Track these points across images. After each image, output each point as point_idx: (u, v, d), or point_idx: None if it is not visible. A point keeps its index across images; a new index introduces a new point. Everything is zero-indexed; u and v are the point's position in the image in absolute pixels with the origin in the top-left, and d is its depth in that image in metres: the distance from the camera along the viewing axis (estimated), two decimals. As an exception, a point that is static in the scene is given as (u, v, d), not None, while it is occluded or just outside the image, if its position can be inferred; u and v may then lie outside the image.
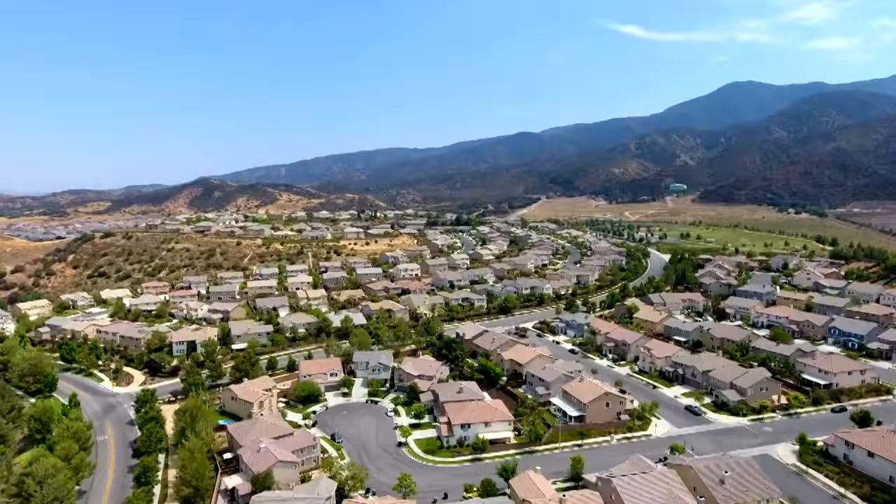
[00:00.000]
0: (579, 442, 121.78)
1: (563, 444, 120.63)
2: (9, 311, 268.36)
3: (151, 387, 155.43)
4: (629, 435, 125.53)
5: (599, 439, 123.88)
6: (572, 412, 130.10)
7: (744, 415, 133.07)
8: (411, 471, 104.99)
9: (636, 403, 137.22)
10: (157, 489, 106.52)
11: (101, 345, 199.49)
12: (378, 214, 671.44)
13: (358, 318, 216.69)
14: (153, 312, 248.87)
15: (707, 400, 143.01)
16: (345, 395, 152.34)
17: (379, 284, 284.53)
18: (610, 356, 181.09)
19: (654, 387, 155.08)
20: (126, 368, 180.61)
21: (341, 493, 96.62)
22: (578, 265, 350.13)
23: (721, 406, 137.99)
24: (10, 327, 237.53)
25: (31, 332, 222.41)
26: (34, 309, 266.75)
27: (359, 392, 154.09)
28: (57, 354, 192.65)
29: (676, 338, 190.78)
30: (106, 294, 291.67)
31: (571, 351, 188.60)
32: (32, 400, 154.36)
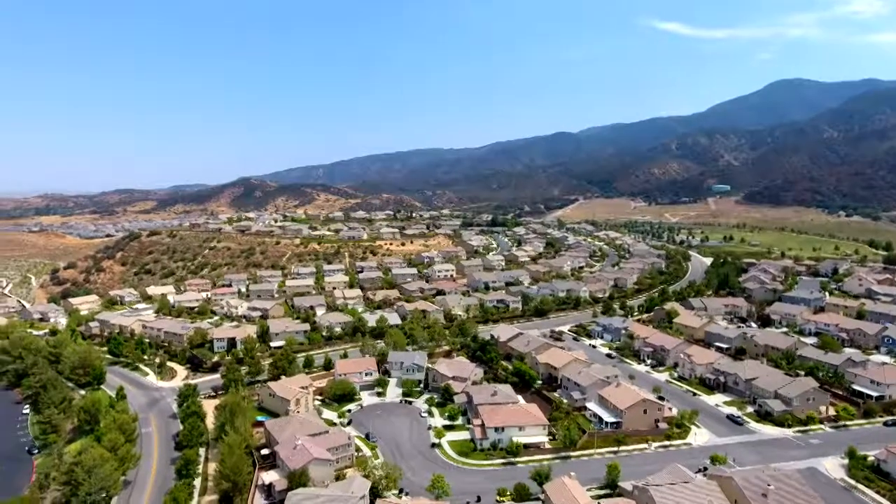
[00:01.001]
0: (615, 449, 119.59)
1: (598, 451, 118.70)
2: (61, 306, 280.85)
3: (193, 382, 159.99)
4: (667, 443, 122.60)
5: (636, 447, 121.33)
6: (608, 418, 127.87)
7: (789, 426, 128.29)
8: (444, 472, 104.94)
9: (675, 411, 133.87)
10: (197, 482, 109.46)
11: (147, 340, 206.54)
12: (414, 215, 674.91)
13: (393, 318, 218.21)
14: (195, 309, 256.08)
15: (750, 409, 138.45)
16: (379, 394, 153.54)
17: (414, 285, 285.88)
18: (648, 362, 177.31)
19: (694, 394, 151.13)
20: (169, 363, 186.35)
21: (375, 493, 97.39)
22: (616, 268, 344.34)
23: (765, 416, 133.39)
24: (63, 321, 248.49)
25: (81, 327, 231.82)
26: (84, 304, 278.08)
27: (393, 392, 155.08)
28: (105, 348, 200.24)
29: (718, 344, 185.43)
30: (151, 290, 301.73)
31: (608, 355, 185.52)
32: (82, 392, 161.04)
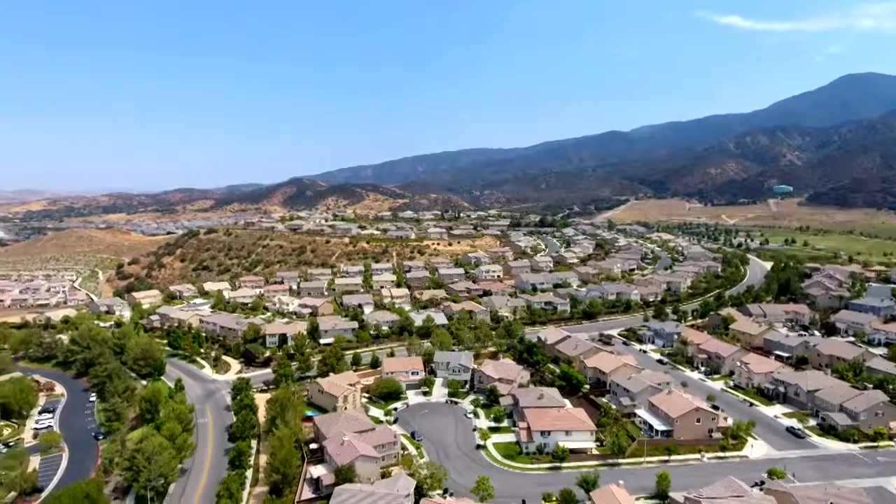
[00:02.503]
0: (666, 458, 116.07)
1: (648, 459, 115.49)
2: (126, 300, 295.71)
3: (246, 375, 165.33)
4: (722, 454, 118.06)
5: (688, 456, 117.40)
6: (659, 426, 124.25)
7: (855, 441, 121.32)
8: (489, 474, 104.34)
9: (730, 421, 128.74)
10: (249, 473, 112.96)
11: (203, 334, 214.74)
12: (461, 215, 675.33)
13: (439, 318, 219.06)
14: (249, 305, 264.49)
15: (812, 422, 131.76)
16: (425, 393, 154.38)
17: (461, 285, 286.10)
18: (702, 369, 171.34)
19: (751, 404, 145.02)
20: (224, 357, 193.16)
21: (420, 492, 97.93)
22: (669, 271, 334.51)
23: (828, 430, 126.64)
24: (127, 314, 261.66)
25: (143, 320, 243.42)
26: (146, 298, 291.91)
27: (439, 392, 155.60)
28: (165, 341, 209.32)
29: (778, 352, 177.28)
30: (208, 286, 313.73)
31: (660, 361, 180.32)
32: (143, 382, 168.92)
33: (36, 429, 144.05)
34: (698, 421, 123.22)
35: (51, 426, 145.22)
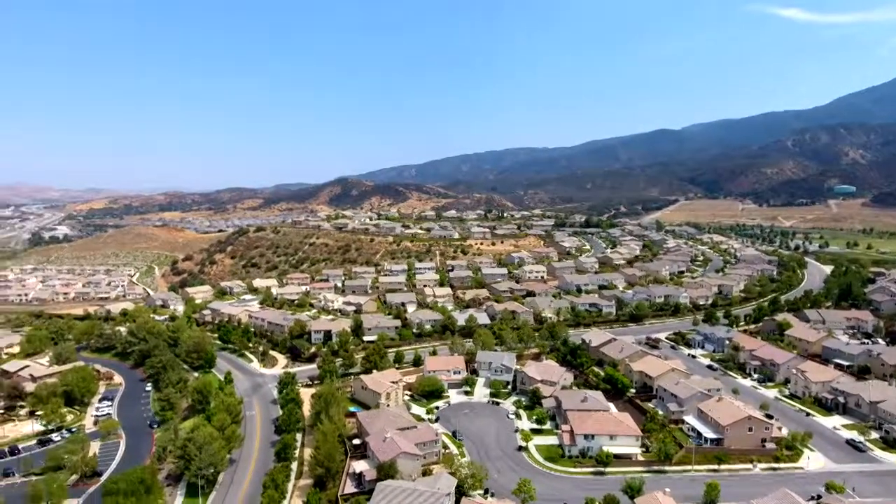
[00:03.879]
0: (715, 467, 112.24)
1: (696, 468, 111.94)
2: (179, 295, 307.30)
3: (292, 370, 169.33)
4: (775, 465, 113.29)
5: (739, 466, 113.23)
6: (708, 434, 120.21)
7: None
8: (531, 476, 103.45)
9: (785, 431, 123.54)
10: (294, 465, 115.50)
11: (252, 329, 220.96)
12: (505, 214, 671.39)
13: (482, 318, 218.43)
14: (295, 302, 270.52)
15: (874, 435, 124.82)
16: (467, 393, 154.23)
17: (504, 285, 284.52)
18: (755, 376, 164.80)
19: (808, 414, 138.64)
20: (271, 352, 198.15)
21: (460, 491, 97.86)
22: (720, 274, 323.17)
23: (892, 444, 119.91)
24: (180, 309, 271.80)
25: (196, 314, 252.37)
26: (199, 293, 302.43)
27: (480, 392, 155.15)
28: (216, 335, 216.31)
29: (838, 361, 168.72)
30: (257, 283, 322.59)
31: (709, 367, 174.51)
32: (195, 374, 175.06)
33: (96, 416, 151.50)
34: (750, 430, 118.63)
35: (110, 414, 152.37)
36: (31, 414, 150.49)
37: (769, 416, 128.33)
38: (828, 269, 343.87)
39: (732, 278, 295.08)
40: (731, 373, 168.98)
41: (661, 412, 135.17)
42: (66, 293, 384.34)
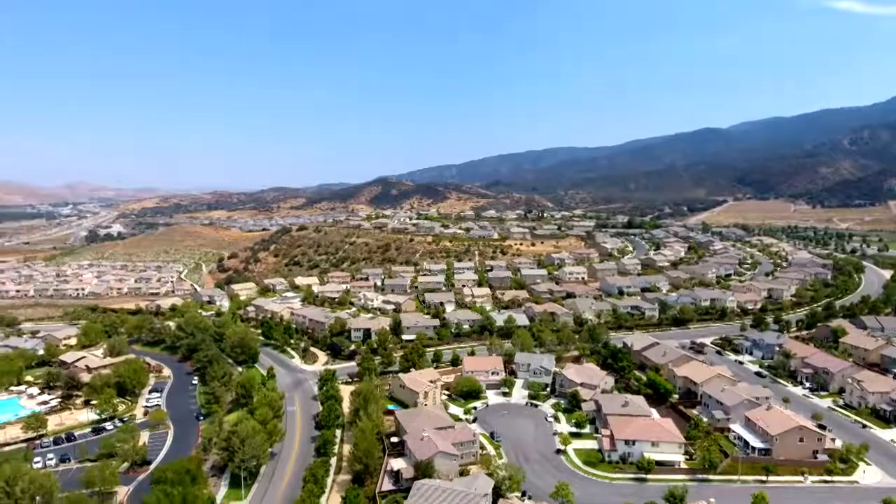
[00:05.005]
0: (763, 478, 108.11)
1: (742, 478, 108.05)
2: (225, 292, 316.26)
3: (332, 367, 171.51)
4: (828, 479, 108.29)
5: (789, 478, 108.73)
6: (756, 443, 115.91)
7: None
8: (569, 480, 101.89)
9: (838, 443, 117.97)
10: (333, 461, 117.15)
11: (294, 326, 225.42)
12: (545, 215, 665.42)
13: (521, 319, 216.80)
14: (336, 300, 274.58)
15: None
16: (505, 394, 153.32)
17: (543, 286, 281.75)
18: (806, 384, 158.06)
19: (864, 426, 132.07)
20: (312, 349, 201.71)
21: (497, 492, 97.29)
22: (770, 277, 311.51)
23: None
24: (226, 305, 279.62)
25: (240, 311, 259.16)
26: (243, 290, 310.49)
27: (519, 393, 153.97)
28: (259, 331, 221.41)
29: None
30: (299, 281, 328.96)
31: (758, 374, 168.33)
32: (239, 369, 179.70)
33: (146, 406, 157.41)
34: (801, 440, 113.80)
35: (159, 405, 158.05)
36: (87, 403, 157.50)
37: (822, 427, 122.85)
38: (887, 273, 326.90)
39: (783, 282, 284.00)
40: (780, 380, 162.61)
41: (705, 419, 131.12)
42: (119, 288, 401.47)
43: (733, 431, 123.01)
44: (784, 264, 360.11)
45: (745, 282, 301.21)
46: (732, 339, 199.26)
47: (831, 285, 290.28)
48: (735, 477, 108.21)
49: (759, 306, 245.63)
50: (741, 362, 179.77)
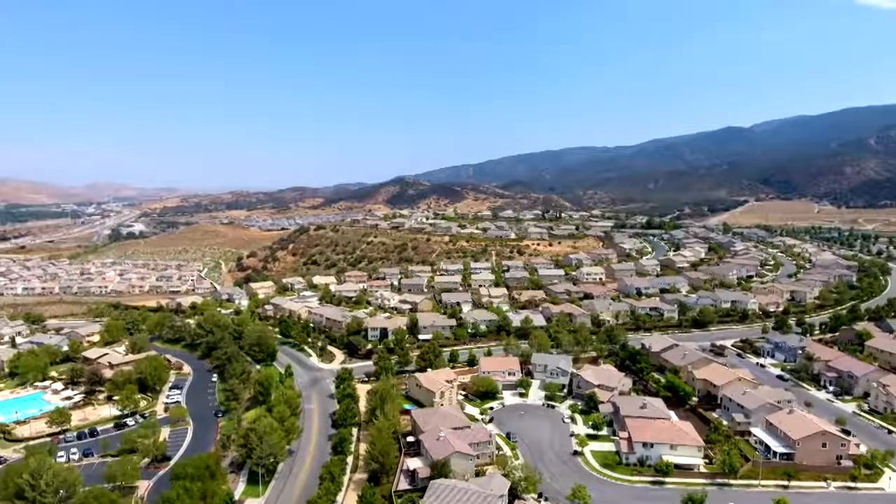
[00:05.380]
0: (785, 483, 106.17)
1: (763, 483, 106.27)
2: (244, 290, 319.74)
3: (349, 366, 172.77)
4: (852, 485, 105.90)
5: (811, 483, 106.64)
6: (777, 447, 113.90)
7: None
8: (586, 483, 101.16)
9: (863, 448, 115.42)
10: (349, 459, 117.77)
11: (311, 324, 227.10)
12: (562, 215, 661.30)
13: (538, 320, 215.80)
14: (353, 299, 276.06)
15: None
16: (521, 395, 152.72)
17: (560, 287, 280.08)
18: (830, 388, 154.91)
19: (890, 431, 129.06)
20: (329, 347, 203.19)
21: (514, 493, 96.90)
22: (793, 279, 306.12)
23: None
24: (244, 303, 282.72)
25: (259, 309, 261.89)
26: (262, 289, 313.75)
27: (535, 394, 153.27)
28: (277, 329, 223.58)
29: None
30: (316, 280, 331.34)
31: (780, 377, 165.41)
32: (258, 366, 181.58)
33: (166, 403, 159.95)
34: (824, 445, 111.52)
35: (179, 401, 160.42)
36: (109, 399, 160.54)
37: (846, 432, 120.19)
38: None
39: (806, 284, 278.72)
40: (803, 384, 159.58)
41: (725, 423, 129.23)
42: (141, 286, 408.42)
43: (754, 435, 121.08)
44: (807, 266, 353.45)
45: (766, 283, 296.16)
46: (754, 342, 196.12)
47: (856, 287, 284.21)
48: (756, 482, 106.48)
49: (781, 308, 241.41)
50: (763, 365, 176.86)
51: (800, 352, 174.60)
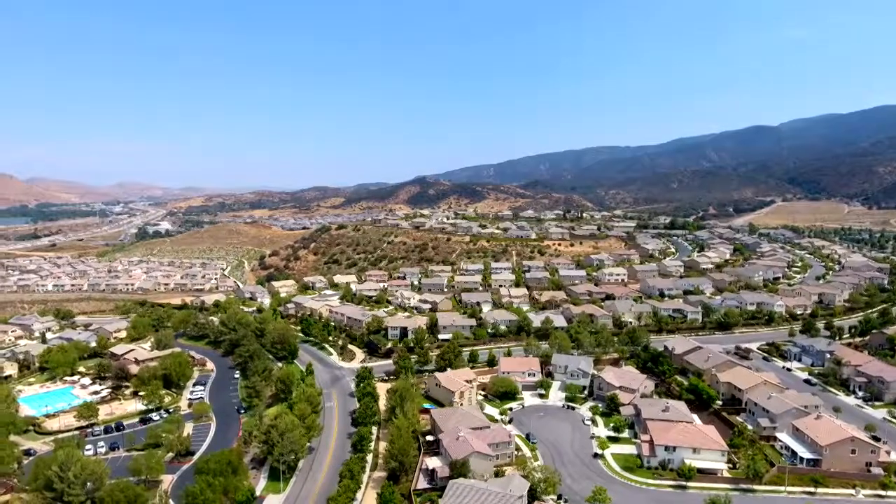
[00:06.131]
0: (811, 490, 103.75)
1: (789, 489, 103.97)
2: (266, 288, 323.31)
3: (369, 365, 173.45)
4: (882, 493, 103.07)
5: (839, 491, 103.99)
6: (804, 453, 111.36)
7: None
8: (607, 485, 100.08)
9: (894, 456, 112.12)
10: (369, 457, 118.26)
11: (332, 323, 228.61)
12: (584, 215, 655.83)
13: (558, 320, 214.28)
14: (373, 298, 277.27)
15: None
16: (541, 396, 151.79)
17: (582, 287, 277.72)
18: (860, 394, 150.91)
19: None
20: (350, 346, 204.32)
21: (533, 495, 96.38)
22: (821, 281, 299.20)
23: None
24: (267, 301, 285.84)
25: (280, 307, 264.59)
26: (283, 288, 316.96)
27: (555, 395, 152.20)
28: (298, 328, 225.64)
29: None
30: (337, 279, 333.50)
31: (807, 381, 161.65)
32: (279, 364, 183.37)
33: (190, 399, 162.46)
34: (853, 452, 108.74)
35: (202, 397, 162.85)
36: (135, 394, 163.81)
37: (876, 439, 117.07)
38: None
39: (835, 286, 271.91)
40: (831, 389, 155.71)
41: (750, 427, 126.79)
42: (166, 284, 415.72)
43: (780, 440, 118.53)
44: (836, 268, 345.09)
45: (794, 285, 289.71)
46: (780, 345, 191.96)
47: (888, 290, 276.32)
48: (781, 488, 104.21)
49: (808, 311, 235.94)
50: (789, 369, 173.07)
51: (828, 356, 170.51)
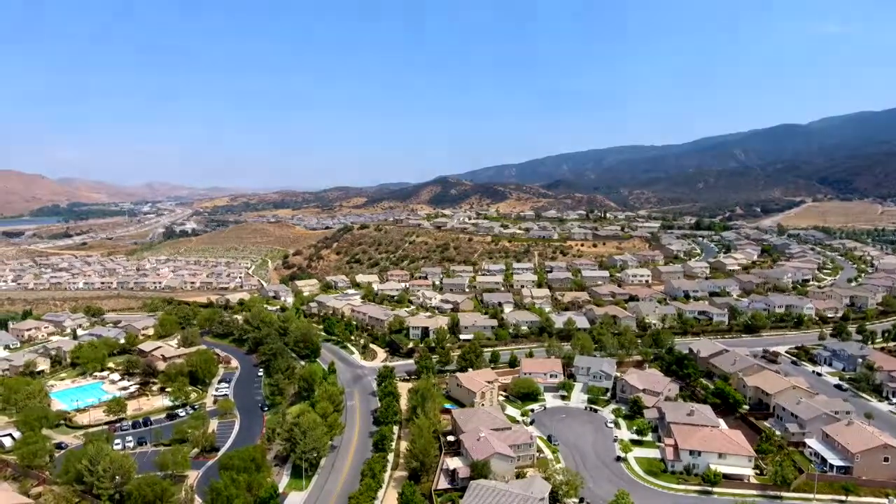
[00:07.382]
0: (841, 498, 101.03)
1: (818, 497, 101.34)
2: (289, 287, 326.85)
3: (390, 364, 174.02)
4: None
5: (871, 500, 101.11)
6: (834, 460, 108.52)
7: None
8: (630, 489, 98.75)
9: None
10: (390, 457, 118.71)
11: (354, 322, 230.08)
12: (607, 215, 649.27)
13: (581, 322, 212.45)
14: (395, 298, 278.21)
15: None
16: (563, 397, 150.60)
17: (605, 288, 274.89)
18: (893, 400, 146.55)
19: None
20: (372, 345, 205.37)
21: (554, 497, 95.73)
22: (854, 283, 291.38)
23: None
24: (290, 300, 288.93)
25: (303, 306, 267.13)
26: (306, 287, 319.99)
27: (577, 397, 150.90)
28: (321, 327, 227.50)
29: None
30: (359, 278, 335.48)
31: (838, 386, 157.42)
32: (302, 362, 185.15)
33: (215, 395, 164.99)
34: (886, 460, 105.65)
35: (227, 395, 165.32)
36: (162, 390, 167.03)
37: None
38: None
39: (868, 289, 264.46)
40: (863, 395, 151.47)
41: (778, 433, 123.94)
42: (192, 282, 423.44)
43: (809, 447, 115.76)
44: (869, 270, 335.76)
45: (824, 288, 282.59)
46: (810, 349, 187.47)
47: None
48: (810, 495, 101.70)
49: (840, 314, 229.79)
50: (819, 374, 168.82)
51: (860, 360, 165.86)
